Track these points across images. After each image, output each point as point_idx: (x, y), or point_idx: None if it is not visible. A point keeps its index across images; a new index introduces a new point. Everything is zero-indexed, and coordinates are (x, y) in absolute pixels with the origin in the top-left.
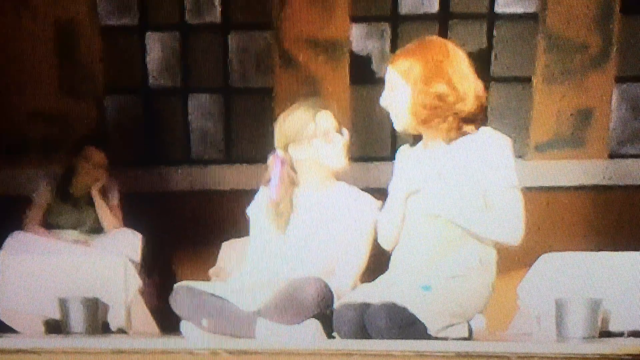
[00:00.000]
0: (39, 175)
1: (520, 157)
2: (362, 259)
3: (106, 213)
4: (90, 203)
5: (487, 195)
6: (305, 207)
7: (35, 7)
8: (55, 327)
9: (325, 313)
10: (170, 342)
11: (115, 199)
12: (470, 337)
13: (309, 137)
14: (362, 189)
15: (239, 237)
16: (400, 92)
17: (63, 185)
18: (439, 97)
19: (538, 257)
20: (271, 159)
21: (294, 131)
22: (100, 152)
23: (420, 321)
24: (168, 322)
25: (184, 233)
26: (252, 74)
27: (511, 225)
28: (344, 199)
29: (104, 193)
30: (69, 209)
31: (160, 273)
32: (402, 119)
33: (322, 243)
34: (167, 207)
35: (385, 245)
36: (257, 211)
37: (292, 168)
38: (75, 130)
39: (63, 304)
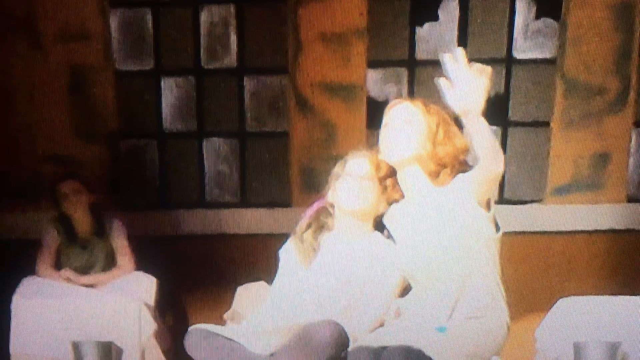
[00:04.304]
0: (49, 219)
1: (538, 200)
2: (383, 306)
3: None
4: (99, 244)
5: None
6: (334, 250)
7: (50, 52)
8: None
9: (340, 356)
10: None
11: (122, 240)
12: None
13: (336, 178)
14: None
15: (253, 280)
16: (416, 126)
17: (67, 228)
18: (458, 152)
19: (556, 301)
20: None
21: (332, 174)
22: (68, 181)
23: None
24: None
25: (198, 276)
26: (268, 118)
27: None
28: (374, 248)
29: (111, 235)
30: (79, 251)
31: (174, 316)
32: (412, 148)
33: (344, 286)
34: (181, 250)
35: None
36: (286, 251)
37: (330, 209)
38: (89, 174)
39: (77, 347)
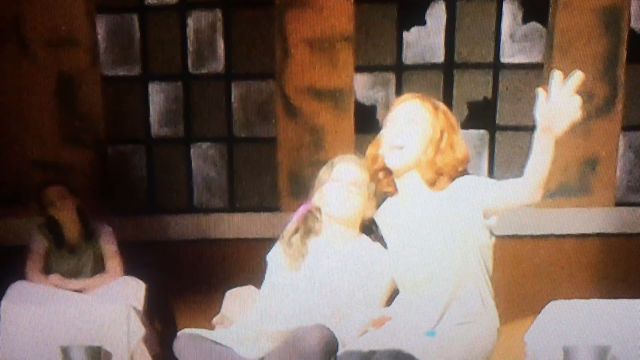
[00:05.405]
0: (37, 225)
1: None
2: (372, 310)
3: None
4: (88, 249)
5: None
6: (322, 255)
7: (37, 57)
8: None
9: None
10: None
11: (111, 245)
12: None
13: (322, 182)
14: None
15: (242, 285)
16: (422, 128)
17: (55, 233)
18: (457, 163)
19: (545, 304)
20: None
21: (318, 178)
22: (53, 187)
23: None
24: None
25: (187, 281)
26: (256, 123)
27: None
28: (361, 252)
29: (99, 239)
30: (67, 256)
31: (163, 321)
32: (413, 153)
33: (333, 290)
34: (170, 255)
35: None
36: (274, 255)
37: (317, 213)
38: (77, 180)
39: (65, 352)
